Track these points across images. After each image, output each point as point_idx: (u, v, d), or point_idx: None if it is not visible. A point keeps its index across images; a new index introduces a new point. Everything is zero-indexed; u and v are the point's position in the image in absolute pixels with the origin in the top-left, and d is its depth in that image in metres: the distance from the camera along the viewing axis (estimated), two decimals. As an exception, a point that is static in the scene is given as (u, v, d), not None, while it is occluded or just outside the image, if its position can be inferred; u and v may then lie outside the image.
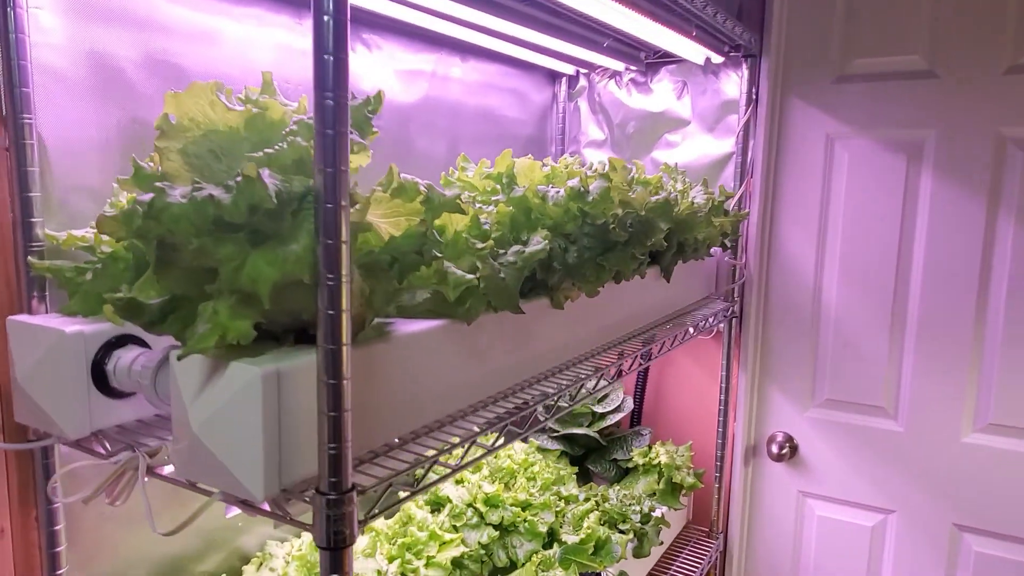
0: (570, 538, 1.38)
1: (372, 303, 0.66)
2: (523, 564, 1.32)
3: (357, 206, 0.62)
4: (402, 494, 0.67)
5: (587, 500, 1.52)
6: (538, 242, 0.86)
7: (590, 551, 1.37)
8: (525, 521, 1.36)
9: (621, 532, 1.49)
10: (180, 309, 0.61)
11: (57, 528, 0.86)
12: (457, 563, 1.28)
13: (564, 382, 0.99)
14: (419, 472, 0.70)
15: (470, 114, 1.58)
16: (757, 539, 1.84)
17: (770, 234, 1.71)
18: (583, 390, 1.01)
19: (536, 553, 1.34)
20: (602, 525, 1.47)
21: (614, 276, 1.00)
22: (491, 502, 1.36)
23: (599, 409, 1.74)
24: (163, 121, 0.61)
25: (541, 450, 1.71)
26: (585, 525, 1.41)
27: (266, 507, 0.61)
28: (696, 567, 1.67)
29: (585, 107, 1.89)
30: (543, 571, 1.31)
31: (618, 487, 1.61)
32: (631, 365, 1.13)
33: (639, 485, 1.68)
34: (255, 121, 0.63)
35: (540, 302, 0.96)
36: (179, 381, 0.62)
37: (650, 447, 1.73)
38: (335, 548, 0.60)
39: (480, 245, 0.78)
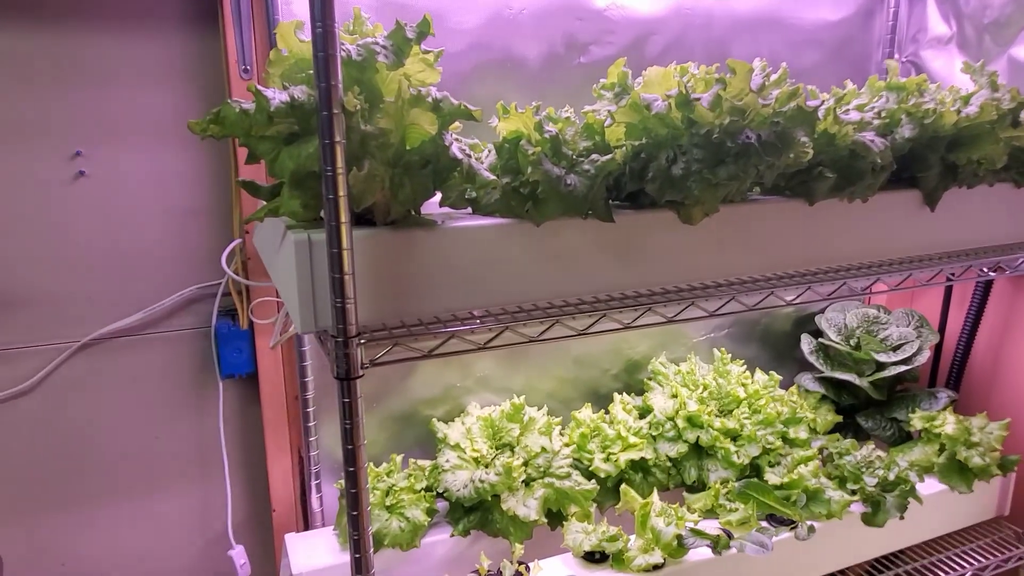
0: (773, 478, 1.30)
1: (397, 195, 0.80)
2: (709, 487, 1.30)
3: (376, 114, 0.77)
4: (410, 354, 0.82)
5: (821, 450, 1.38)
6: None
7: (792, 497, 1.27)
8: (722, 447, 1.32)
9: (852, 491, 1.32)
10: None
11: (306, 364, 1.23)
12: (644, 468, 1.34)
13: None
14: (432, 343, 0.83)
15: (745, 23, 1.47)
16: (1108, 566, 1.39)
17: None
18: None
19: (728, 482, 1.31)
20: (830, 479, 1.34)
21: (737, 193, 0.91)
22: (693, 421, 1.36)
23: (883, 358, 1.51)
24: (274, 52, 0.84)
25: (805, 391, 1.58)
26: (797, 471, 1.30)
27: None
28: (977, 562, 1.37)
29: (931, -3, 1.55)
30: (727, 500, 1.27)
31: (868, 446, 1.40)
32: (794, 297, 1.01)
33: (912, 453, 1.43)
34: (330, 49, 0.82)
35: (664, 214, 0.95)
36: (268, 245, 0.87)
37: (940, 412, 1.44)
38: (342, 378, 0.79)
39: (530, 151, 0.84)
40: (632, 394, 1.51)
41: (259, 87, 0.73)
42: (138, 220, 1.20)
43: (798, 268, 1.07)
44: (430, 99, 0.77)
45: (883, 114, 1.08)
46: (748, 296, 1.00)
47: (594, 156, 0.87)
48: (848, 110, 1.04)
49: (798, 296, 1.02)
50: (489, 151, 0.94)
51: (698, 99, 0.86)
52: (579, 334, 0.90)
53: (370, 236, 0.81)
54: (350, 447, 0.82)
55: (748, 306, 0.98)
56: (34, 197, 1.14)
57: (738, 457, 1.32)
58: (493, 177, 0.80)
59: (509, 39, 1.34)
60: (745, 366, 1.51)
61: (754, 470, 1.35)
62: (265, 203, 0.85)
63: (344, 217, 0.75)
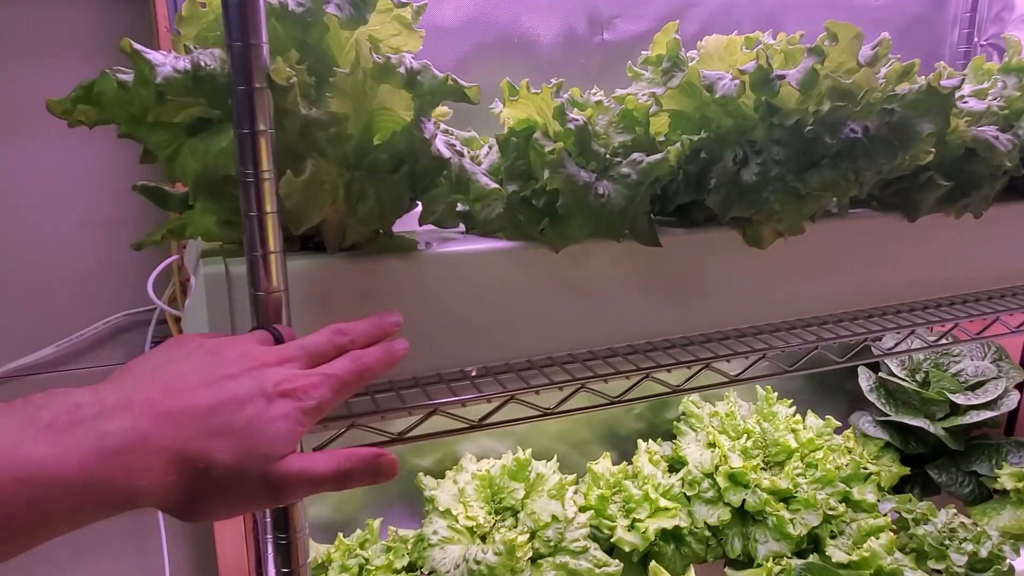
0: (838, 554, 1.05)
1: (357, 209, 0.55)
2: (758, 565, 1.06)
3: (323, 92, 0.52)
4: (376, 438, 0.57)
5: (893, 514, 1.14)
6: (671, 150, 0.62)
7: (862, 580, 1.03)
8: (774, 514, 1.08)
9: (935, 571, 1.07)
10: (202, 202, 0.61)
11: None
12: (677, 537, 1.10)
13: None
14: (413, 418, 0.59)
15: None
16: None
17: None
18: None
19: (781, 558, 1.06)
20: (905, 554, 1.09)
21: (825, 205, 0.67)
22: (736, 478, 1.12)
23: (960, 399, 1.26)
24: (188, 5, 0.59)
25: (862, 436, 1.33)
26: (867, 545, 1.05)
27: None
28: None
29: (1019, -31, 1.30)
30: (781, 582, 1.03)
31: (948, 510, 1.15)
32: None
33: (1000, 517, 1.18)
34: None
35: (724, 234, 0.70)
36: (191, 268, 0.63)
37: (1034, 469, 1.19)
38: (272, 474, 0.54)
39: (548, 147, 0.59)
40: (659, 439, 1.26)
41: (139, 47, 0.49)
42: (49, 230, 0.95)
43: (891, 302, 0.82)
44: (403, 70, 0.52)
45: (1002, 104, 0.83)
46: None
47: (636, 156, 0.62)
48: (964, 97, 0.80)
49: (897, 344, 0.78)
50: (490, 147, 0.70)
51: (783, 76, 0.62)
52: (612, 403, 0.65)
53: (317, 268, 0.57)
54: (287, 570, 0.57)
55: (837, 359, 0.73)
56: (-90, 201, 0.89)
57: (794, 527, 1.07)
58: (494, 185, 0.56)
59: (517, 12, 1.09)
60: (794, 407, 1.27)
61: (811, 540, 1.11)
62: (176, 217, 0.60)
63: (274, 244, 0.50)
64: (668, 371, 0.66)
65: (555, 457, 1.16)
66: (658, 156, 0.61)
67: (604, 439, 1.30)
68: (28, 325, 0.96)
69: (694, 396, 1.29)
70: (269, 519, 1.05)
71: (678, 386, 0.68)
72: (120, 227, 0.98)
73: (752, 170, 0.65)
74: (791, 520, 1.07)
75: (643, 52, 0.74)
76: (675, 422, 1.28)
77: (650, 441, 1.23)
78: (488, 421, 0.60)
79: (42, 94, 0.92)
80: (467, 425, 0.60)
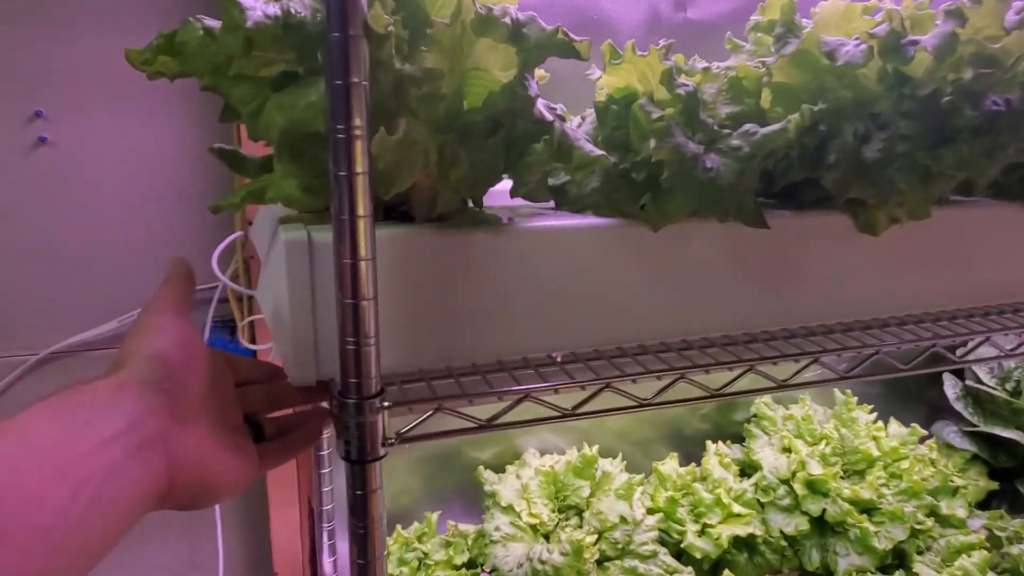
0: (926, 572, 0.98)
1: (449, 175, 0.51)
2: (839, 579, 0.99)
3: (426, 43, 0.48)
4: (462, 424, 0.53)
5: (985, 531, 1.06)
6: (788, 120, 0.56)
7: (954, 601, 0.95)
8: (857, 526, 1.01)
9: (1032, 595, 1.00)
10: (280, 167, 0.57)
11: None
12: (751, 546, 1.03)
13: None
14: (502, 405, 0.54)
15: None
16: None
17: None
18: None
19: (864, 573, 1.00)
20: (998, 574, 1.01)
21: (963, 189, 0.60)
22: (815, 486, 1.05)
23: (1058, 412, 1.17)
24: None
25: (946, 447, 1.25)
26: (959, 563, 0.98)
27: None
28: None
29: None
30: (864, 599, 0.96)
31: (1051, 530, 1.07)
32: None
33: (1103, 540, 1.09)
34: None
35: (833, 219, 0.64)
36: (262, 245, 0.59)
37: None
38: (351, 460, 0.50)
39: (655, 115, 0.54)
40: (727, 442, 1.20)
41: (228, -12, 0.45)
42: (114, 203, 0.93)
43: (1007, 300, 0.75)
44: (508, 20, 0.48)
45: None
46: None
47: (748, 126, 0.57)
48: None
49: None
50: (583, 119, 0.65)
51: (917, 42, 0.56)
52: (713, 396, 0.59)
53: (405, 237, 0.53)
54: (362, 562, 0.53)
55: (954, 359, 0.67)
56: (-21, 169, 0.88)
57: (879, 540, 1.00)
58: (600, 152, 0.51)
59: (595, -9, 1.05)
60: (875, 413, 1.19)
61: (896, 555, 1.03)
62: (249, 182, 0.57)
63: (363, 208, 0.46)
64: (774, 364, 0.60)
65: (620, 455, 1.11)
66: (776, 127, 0.55)
67: (668, 439, 1.25)
68: (90, 299, 0.95)
69: (766, 397, 1.23)
70: (327, 505, 1.02)
71: (785, 381, 0.62)
72: (184, 202, 0.96)
73: (875, 146, 0.59)
74: (876, 533, 1.00)
75: (745, 22, 0.68)
76: (745, 424, 1.21)
77: (719, 443, 1.17)
78: (582, 410, 0.56)
79: (116, 66, 0.90)
80: (558, 414, 0.55)
